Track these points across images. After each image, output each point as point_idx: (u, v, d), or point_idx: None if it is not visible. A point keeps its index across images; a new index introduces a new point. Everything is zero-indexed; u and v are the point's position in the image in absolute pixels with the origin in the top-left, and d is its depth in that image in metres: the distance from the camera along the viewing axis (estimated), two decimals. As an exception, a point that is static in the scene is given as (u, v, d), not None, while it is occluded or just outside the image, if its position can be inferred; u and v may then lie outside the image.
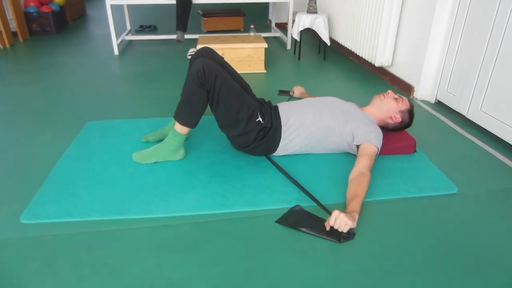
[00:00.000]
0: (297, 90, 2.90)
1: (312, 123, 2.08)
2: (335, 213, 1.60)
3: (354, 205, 1.68)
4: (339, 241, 1.59)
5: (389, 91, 2.24)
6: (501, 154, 2.30)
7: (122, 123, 2.60)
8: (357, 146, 2.05)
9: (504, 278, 1.45)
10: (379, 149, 2.03)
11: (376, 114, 2.22)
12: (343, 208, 1.72)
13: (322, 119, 2.09)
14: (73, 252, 1.54)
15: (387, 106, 2.19)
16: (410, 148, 2.25)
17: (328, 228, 1.62)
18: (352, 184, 1.82)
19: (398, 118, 2.21)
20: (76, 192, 1.88)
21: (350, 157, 2.19)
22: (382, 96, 2.22)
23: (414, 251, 1.57)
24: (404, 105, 2.21)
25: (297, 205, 1.80)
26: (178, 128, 2.06)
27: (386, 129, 2.27)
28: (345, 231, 1.59)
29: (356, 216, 1.64)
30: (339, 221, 1.58)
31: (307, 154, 2.21)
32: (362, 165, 1.89)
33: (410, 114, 2.23)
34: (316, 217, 1.71)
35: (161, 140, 2.24)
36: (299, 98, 2.87)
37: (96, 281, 1.41)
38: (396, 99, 2.21)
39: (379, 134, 2.06)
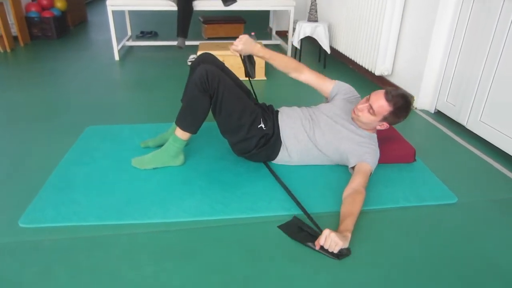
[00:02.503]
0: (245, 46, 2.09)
1: (308, 140, 2.08)
2: (326, 232, 1.56)
3: (348, 224, 1.64)
4: (338, 258, 1.55)
5: (358, 106, 1.98)
6: (500, 164, 2.31)
7: (122, 128, 2.60)
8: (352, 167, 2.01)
9: (504, 288, 1.45)
10: (373, 169, 1.96)
11: (365, 129, 2.06)
12: (338, 215, 1.71)
13: (316, 140, 2.07)
14: (71, 257, 1.53)
15: (367, 121, 1.97)
16: (410, 157, 2.25)
17: (317, 248, 1.57)
18: (346, 202, 1.77)
19: (384, 125, 1.99)
20: (74, 197, 1.88)
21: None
22: (355, 116, 2.01)
23: (413, 260, 1.56)
24: (381, 113, 1.92)
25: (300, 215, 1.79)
26: (179, 134, 2.06)
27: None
28: (335, 251, 1.54)
29: (349, 235, 1.59)
30: (329, 240, 1.54)
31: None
32: (357, 183, 1.84)
33: (400, 110, 1.92)
34: (316, 231, 1.68)
35: (160, 146, 2.23)
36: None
37: (93, 287, 1.40)
38: (369, 111, 1.94)
39: (374, 154, 1.98)
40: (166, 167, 2.13)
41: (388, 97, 1.90)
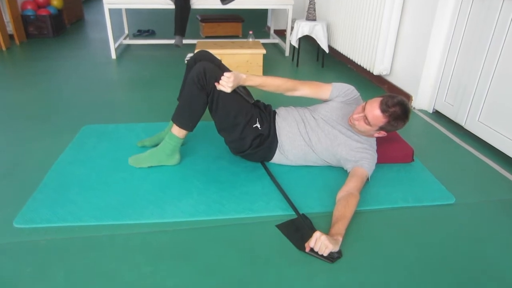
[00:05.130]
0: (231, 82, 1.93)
1: (304, 145, 2.07)
2: (316, 234, 1.54)
3: (340, 227, 1.62)
4: (331, 261, 1.53)
5: (353, 115, 1.94)
6: (498, 165, 2.30)
7: (118, 128, 2.58)
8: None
9: (503, 290, 1.44)
10: (370, 175, 1.94)
11: (363, 135, 2.03)
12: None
13: (313, 145, 2.06)
14: (66, 258, 1.52)
15: (363, 130, 1.94)
16: (408, 157, 2.24)
17: (307, 250, 1.55)
18: (339, 205, 1.74)
19: (382, 133, 1.95)
20: (70, 197, 1.86)
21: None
22: (351, 124, 1.97)
23: (411, 261, 1.56)
24: (377, 124, 1.87)
25: (303, 214, 1.78)
26: (175, 131, 2.04)
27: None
28: (325, 254, 1.52)
29: (340, 239, 1.57)
30: (320, 243, 1.52)
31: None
32: (352, 186, 1.82)
33: (397, 120, 1.86)
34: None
35: (157, 145, 2.21)
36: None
37: (89, 287, 1.39)
38: (364, 121, 1.89)
39: (371, 160, 1.95)
40: (163, 167, 2.12)
41: (383, 108, 1.83)
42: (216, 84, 1.92)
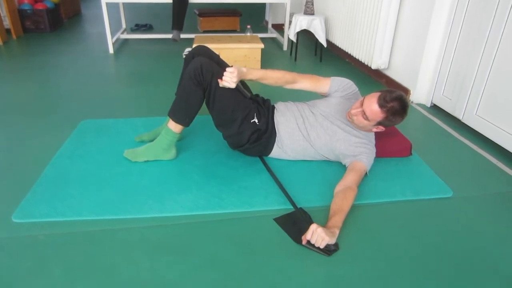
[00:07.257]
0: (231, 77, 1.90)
1: (303, 140, 2.06)
2: (313, 227, 1.55)
3: (337, 220, 1.63)
4: (327, 254, 1.54)
5: (351, 110, 1.93)
6: (496, 158, 2.31)
7: (117, 122, 2.58)
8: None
9: (497, 282, 1.45)
10: (368, 169, 1.95)
11: (362, 130, 2.03)
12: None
13: (311, 140, 2.05)
14: (65, 253, 1.52)
15: (361, 125, 1.94)
16: (406, 151, 2.25)
17: (304, 242, 1.56)
18: (337, 198, 1.75)
19: (380, 128, 1.95)
20: (69, 191, 1.86)
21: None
22: (350, 120, 1.98)
23: (409, 254, 1.56)
24: (375, 119, 1.87)
25: (301, 208, 1.79)
26: (172, 126, 2.04)
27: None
28: (321, 246, 1.53)
29: (337, 232, 1.58)
30: (316, 235, 1.53)
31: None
32: (350, 180, 1.83)
33: (395, 116, 1.85)
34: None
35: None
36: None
37: (88, 282, 1.39)
38: (362, 116, 1.89)
39: (370, 154, 1.96)
40: (161, 162, 2.12)
41: (381, 103, 1.82)
42: (219, 81, 1.89)
